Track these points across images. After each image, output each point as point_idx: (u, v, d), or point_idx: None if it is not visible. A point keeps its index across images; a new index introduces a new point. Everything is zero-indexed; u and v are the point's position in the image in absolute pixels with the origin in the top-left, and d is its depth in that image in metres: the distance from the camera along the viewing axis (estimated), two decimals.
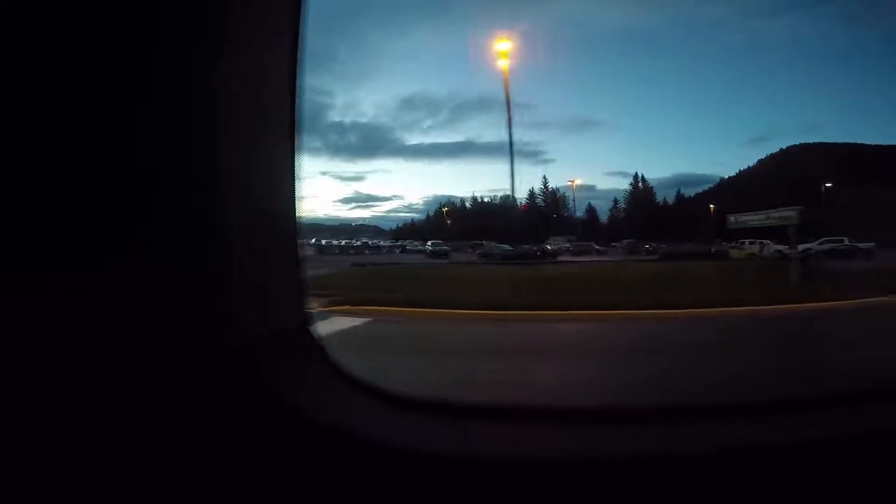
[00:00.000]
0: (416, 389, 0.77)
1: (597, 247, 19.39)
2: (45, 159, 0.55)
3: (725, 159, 41.42)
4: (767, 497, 0.65)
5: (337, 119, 37.79)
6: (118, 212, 0.57)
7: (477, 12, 41.33)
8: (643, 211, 26.56)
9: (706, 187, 29.78)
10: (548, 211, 27.21)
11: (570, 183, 30.50)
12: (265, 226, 0.67)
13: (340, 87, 43.18)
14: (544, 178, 28.67)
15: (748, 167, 31.34)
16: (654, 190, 28.68)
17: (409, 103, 40.82)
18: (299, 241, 0.73)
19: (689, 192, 28.59)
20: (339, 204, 38.29)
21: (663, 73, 38.02)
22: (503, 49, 16.15)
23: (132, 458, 0.58)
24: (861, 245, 15.34)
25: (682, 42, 37.13)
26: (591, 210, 28.49)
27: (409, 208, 34.46)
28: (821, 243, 15.95)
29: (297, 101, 0.70)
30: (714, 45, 34.54)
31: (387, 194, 49.90)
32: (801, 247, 16.78)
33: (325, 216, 32.28)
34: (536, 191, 28.12)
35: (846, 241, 15.68)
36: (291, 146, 0.70)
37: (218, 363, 0.60)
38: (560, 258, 17.16)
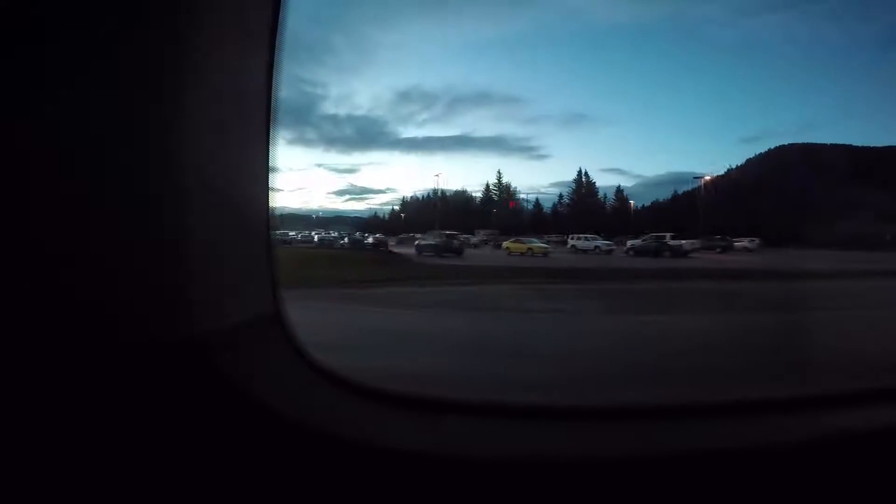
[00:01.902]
0: (392, 383, 0.78)
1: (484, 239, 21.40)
2: (31, 156, 0.54)
3: (718, 158, 38.96)
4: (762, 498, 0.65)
5: (332, 111, 38.28)
6: (95, 203, 0.56)
7: (473, 5, 41.92)
8: (581, 207, 27.12)
9: (697, 185, 28.98)
10: (495, 205, 29.18)
11: (435, 177, 30.04)
12: (238, 217, 0.68)
13: (335, 79, 43.90)
14: (499, 172, 30.64)
15: (736, 166, 30.11)
16: (645, 187, 29.14)
17: (404, 96, 40.79)
18: (271, 233, 0.73)
19: (681, 189, 28.69)
20: (334, 196, 40.10)
21: (656, 71, 36.61)
22: None
23: (100, 451, 0.57)
24: (672, 243, 15.57)
25: (676, 39, 35.45)
26: (538, 205, 29.72)
27: (403, 201, 35.32)
28: (644, 239, 16.29)
29: (274, 95, 0.69)
30: (705, 42, 32.75)
31: (381, 187, 48.99)
32: (629, 242, 17.03)
33: (319, 208, 34.24)
34: (491, 185, 30.25)
35: (667, 239, 15.85)
36: (266, 140, 0.70)
37: (186, 353, 0.59)
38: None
